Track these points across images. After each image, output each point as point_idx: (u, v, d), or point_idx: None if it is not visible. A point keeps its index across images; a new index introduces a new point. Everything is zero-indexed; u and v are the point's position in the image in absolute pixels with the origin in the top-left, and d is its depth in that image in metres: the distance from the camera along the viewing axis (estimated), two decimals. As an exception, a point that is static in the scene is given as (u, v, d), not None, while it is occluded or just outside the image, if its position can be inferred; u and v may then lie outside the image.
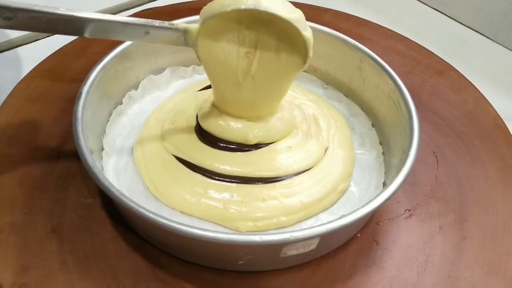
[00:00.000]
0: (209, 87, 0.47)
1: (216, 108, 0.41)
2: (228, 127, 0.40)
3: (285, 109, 0.42)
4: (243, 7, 0.33)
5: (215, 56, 0.37)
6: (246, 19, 0.35)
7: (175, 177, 0.39)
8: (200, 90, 0.48)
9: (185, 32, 0.36)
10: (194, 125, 0.42)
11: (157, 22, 0.35)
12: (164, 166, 0.40)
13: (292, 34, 0.35)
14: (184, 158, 0.40)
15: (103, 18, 0.33)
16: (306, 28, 0.35)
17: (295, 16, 0.34)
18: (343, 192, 0.40)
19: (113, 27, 0.34)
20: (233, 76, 0.38)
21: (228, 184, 0.39)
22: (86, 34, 0.33)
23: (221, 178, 0.39)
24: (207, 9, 0.35)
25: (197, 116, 0.42)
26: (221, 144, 0.40)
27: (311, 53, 0.36)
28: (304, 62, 0.37)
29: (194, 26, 0.36)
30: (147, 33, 0.35)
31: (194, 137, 0.41)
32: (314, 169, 0.40)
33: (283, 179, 0.39)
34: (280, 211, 0.37)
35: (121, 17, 0.34)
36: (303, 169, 0.40)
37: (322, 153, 0.42)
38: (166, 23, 0.35)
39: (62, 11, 0.31)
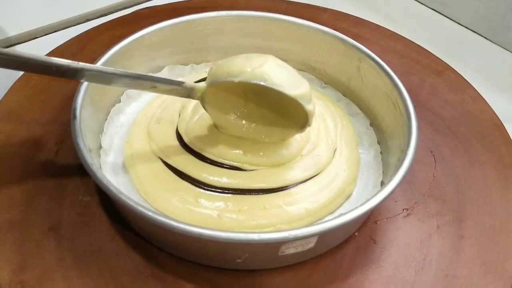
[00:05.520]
0: (200, 81, 0.47)
1: (211, 130, 0.41)
2: (224, 155, 0.39)
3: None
4: (252, 81, 0.34)
5: (219, 110, 0.39)
6: (251, 87, 0.36)
7: (164, 182, 0.38)
8: None
9: (191, 89, 0.37)
10: (175, 129, 0.42)
11: (166, 79, 0.37)
12: (152, 169, 0.39)
13: (294, 104, 0.35)
14: (170, 163, 0.39)
15: (112, 72, 0.34)
16: (310, 102, 0.36)
17: (301, 92, 0.35)
18: (348, 196, 0.40)
19: (122, 80, 0.35)
20: (233, 123, 0.40)
21: (221, 194, 0.38)
22: (96, 83, 0.35)
23: (212, 189, 0.38)
24: (215, 72, 0.36)
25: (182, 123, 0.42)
26: (208, 160, 0.39)
27: (311, 123, 0.37)
28: (303, 129, 0.38)
29: (201, 86, 0.37)
30: (154, 87, 0.36)
31: (177, 144, 0.41)
32: (321, 174, 0.40)
33: (287, 188, 0.39)
34: (282, 218, 0.37)
35: (131, 73, 0.35)
36: (311, 176, 0.40)
37: (331, 156, 0.42)
38: (174, 81, 0.37)
39: (74, 64, 0.32)
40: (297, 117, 0.37)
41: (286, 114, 0.39)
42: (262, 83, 0.34)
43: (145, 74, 0.36)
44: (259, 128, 0.40)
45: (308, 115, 0.36)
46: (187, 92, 0.37)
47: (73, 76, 0.33)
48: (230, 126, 0.40)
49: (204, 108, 0.39)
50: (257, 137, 0.40)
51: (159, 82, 0.36)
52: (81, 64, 0.32)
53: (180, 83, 0.37)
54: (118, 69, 0.35)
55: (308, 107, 0.35)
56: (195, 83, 0.37)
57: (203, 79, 0.47)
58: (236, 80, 0.34)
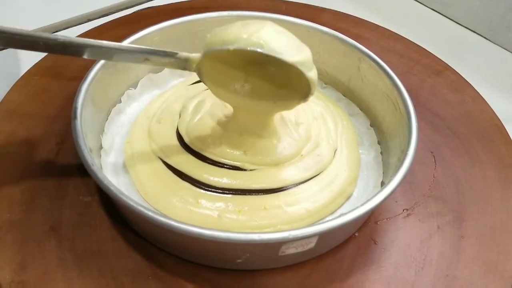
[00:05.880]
0: (196, 83, 0.47)
1: (212, 131, 0.40)
2: (224, 155, 0.39)
3: (290, 136, 0.41)
4: (248, 48, 0.32)
5: (217, 84, 0.37)
6: (249, 56, 0.34)
7: (164, 183, 0.38)
8: (191, 84, 0.48)
9: (186, 60, 0.36)
10: (176, 129, 0.42)
11: (158, 50, 0.35)
12: (152, 169, 0.39)
13: (296, 73, 0.34)
14: (170, 163, 0.39)
15: (103, 45, 0.33)
16: (312, 69, 0.34)
17: (301, 58, 0.33)
18: (349, 196, 0.40)
19: (113, 52, 0.34)
20: (232, 96, 0.38)
21: (221, 195, 0.38)
22: (86, 57, 0.33)
23: (212, 190, 0.38)
24: (210, 41, 0.34)
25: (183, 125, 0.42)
26: (209, 161, 0.39)
27: (314, 91, 0.35)
28: (306, 98, 0.36)
29: (196, 56, 0.35)
30: (147, 59, 0.35)
31: (177, 144, 0.41)
32: (322, 174, 0.40)
33: (288, 188, 0.38)
34: (282, 219, 0.37)
35: (122, 44, 0.34)
36: (311, 176, 0.39)
37: (332, 156, 0.41)
38: (168, 52, 0.35)
39: (62, 37, 0.31)
40: (299, 86, 0.35)
41: (288, 85, 0.37)
42: (259, 50, 0.32)
43: (137, 46, 0.34)
44: (261, 102, 0.38)
45: (310, 83, 0.34)
46: (182, 64, 0.36)
47: (62, 50, 0.32)
48: (229, 101, 0.39)
49: (202, 81, 0.37)
50: (258, 110, 0.39)
51: (152, 54, 0.35)
52: (69, 38, 0.31)
53: (173, 54, 0.35)
54: (108, 42, 0.33)
55: (309, 74, 0.33)
56: (189, 54, 0.36)
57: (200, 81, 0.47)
58: (232, 47, 0.32)
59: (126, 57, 0.35)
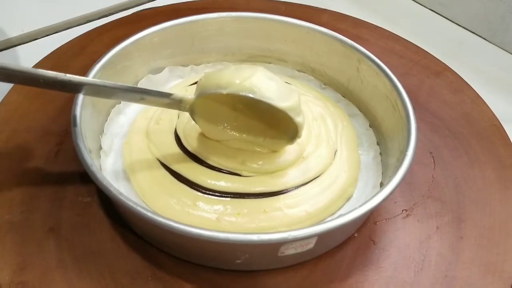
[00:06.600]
0: (194, 84, 0.47)
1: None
2: (222, 161, 0.39)
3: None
4: (241, 93, 0.34)
5: (208, 121, 0.39)
6: (241, 97, 0.35)
7: (162, 184, 0.38)
8: (190, 85, 0.48)
9: (180, 101, 0.37)
10: (174, 131, 0.42)
11: (154, 91, 0.36)
12: (150, 171, 0.39)
13: (285, 117, 0.35)
14: (167, 165, 0.39)
15: (100, 84, 0.34)
16: (300, 114, 0.36)
17: (290, 104, 0.35)
18: (349, 197, 0.40)
19: (111, 92, 0.35)
20: (223, 134, 0.40)
21: (220, 198, 0.37)
22: (84, 94, 0.35)
23: (210, 193, 0.38)
24: (204, 83, 0.35)
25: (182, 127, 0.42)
26: (206, 164, 0.39)
27: (301, 134, 0.37)
28: (293, 140, 0.38)
29: (189, 97, 0.37)
30: (142, 99, 0.36)
31: (175, 146, 0.41)
32: (322, 176, 0.40)
33: (288, 191, 0.38)
34: (282, 222, 0.36)
35: (119, 84, 0.35)
36: (312, 178, 0.39)
37: (332, 157, 0.41)
38: (163, 92, 0.37)
39: (60, 76, 0.32)
40: (287, 128, 0.37)
41: (276, 126, 0.38)
42: (251, 95, 0.34)
43: (133, 86, 0.36)
44: (250, 139, 0.39)
45: (297, 127, 0.36)
46: (176, 104, 0.37)
47: (62, 88, 0.33)
48: (220, 138, 0.40)
49: (193, 119, 0.38)
50: (247, 149, 0.40)
51: (147, 94, 0.36)
52: (68, 76, 0.33)
53: (168, 95, 0.37)
54: (107, 81, 0.35)
55: (298, 119, 0.35)
56: (183, 95, 0.37)
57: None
58: (225, 92, 0.34)
59: (123, 96, 0.36)
